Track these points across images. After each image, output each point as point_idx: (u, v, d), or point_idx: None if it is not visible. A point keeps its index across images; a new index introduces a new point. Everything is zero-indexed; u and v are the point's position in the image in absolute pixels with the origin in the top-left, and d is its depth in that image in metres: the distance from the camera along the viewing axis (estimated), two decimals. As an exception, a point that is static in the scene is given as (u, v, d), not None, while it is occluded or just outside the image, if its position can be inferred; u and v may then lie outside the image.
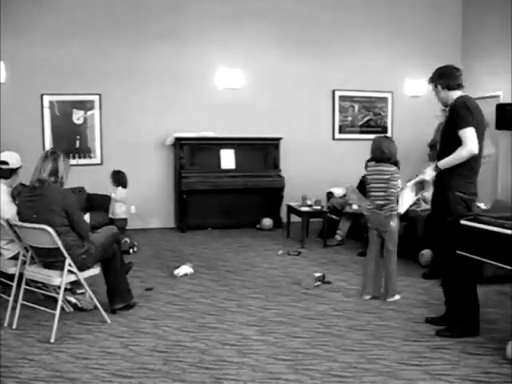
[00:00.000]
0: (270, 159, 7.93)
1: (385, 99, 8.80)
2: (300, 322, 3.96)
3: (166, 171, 7.88)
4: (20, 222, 3.73)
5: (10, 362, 3.19)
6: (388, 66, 8.65)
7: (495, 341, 3.50)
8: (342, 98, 8.60)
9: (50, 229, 3.50)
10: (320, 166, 8.39)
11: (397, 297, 4.47)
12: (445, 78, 3.69)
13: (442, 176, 3.68)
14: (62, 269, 3.64)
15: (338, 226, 6.76)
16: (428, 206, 5.89)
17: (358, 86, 8.58)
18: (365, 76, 8.54)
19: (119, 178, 6.50)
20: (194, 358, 3.30)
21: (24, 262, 3.86)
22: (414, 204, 6.02)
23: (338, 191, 7.62)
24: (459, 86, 3.70)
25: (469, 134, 3.48)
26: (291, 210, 7.14)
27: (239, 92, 8.05)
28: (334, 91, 8.54)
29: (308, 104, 8.38)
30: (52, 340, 3.50)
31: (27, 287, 3.94)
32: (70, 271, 3.66)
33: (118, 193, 6.40)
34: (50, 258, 3.70)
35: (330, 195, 7.74)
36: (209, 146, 7.70)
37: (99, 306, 3.88)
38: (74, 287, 4.21)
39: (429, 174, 3.72)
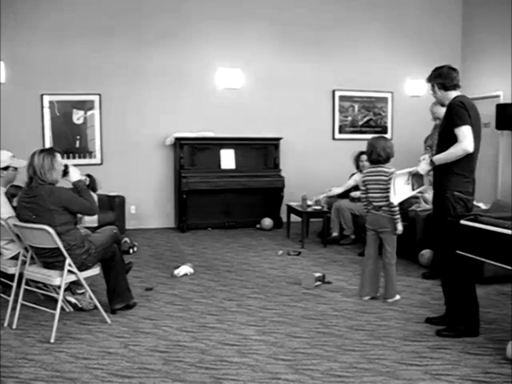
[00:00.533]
0: (270, 159, 7.93)
1: (385, 99, 8.81)
2: (300, 321, 3.96)
3: (166, 171, 7.88)
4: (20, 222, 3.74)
5: (9, 362, 3.19)
6: (388, 66, 8.66)
7: (495, 341, 3.50)
8: (342, 98, 8.60)
9: (50, 229, 3.50)
10: (320, 165, 8.39)
11: (397, 297, 4.47)
12: (442, 78, 3.73)
13: (439, 176, 3.70)
14: (62, 269, 3.64)
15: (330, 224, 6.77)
16: (428, 206, 5.91)
17: (358, 86, 8.58)
18: (365, 76, 8.55)
19: (90, 183, 6.42)
20: (194, 358, 3.30)
21: (24, 262, 3.86)
22: (415, 204, 6.03)
23: (336, 190, 7.61)
24: (456, 87, 3.75)
25: (465, 132, 3.51)
26: (291, 210, 7.14)
27: (239, 92, 8.05)
28: (333, 91, 8.54)
29: (308, 104, 8.38)
30: (52, 340, 3.50)
31: (27, 287, 3.94)
32: (69, 271, 3.66)
33: None
34: (49, 258, 3.70)
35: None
36: (209, 146, 7.70)
37: (99, 306, 3.88)
38: (73, 287, 4.21)
39: (422, 167, 3.78)
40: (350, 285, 4.93)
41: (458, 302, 3.62)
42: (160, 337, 3.64)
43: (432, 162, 3.70)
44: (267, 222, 7.67)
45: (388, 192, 4.17)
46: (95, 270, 3.93)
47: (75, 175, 4.00)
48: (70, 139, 7.54)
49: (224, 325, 3.88)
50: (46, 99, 7.39)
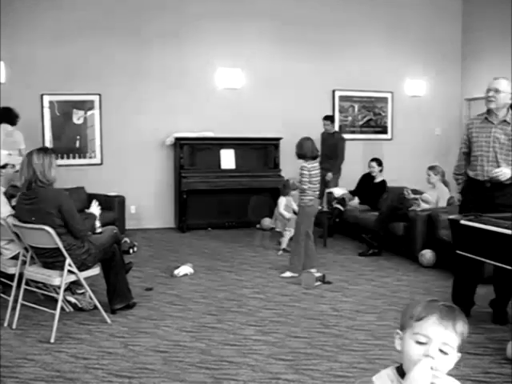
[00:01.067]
0: (270, 159, 7.93)
1: (385, 99, 8.81)
2: (300, 321, 3.96)
3: (166, 171, 7.88)
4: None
5: (9, 362, 3.18)
6: (388, 66, 8.66)
7: (495, 341, 3.50)
8: (341, 98, 8.60)
9: (49, 229, 3.50)
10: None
11: (287, 274, 5.17)
12: None
13: None
14: (62, 269, 3.63)
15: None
16: (427, 206, 5.91)
17: (358, 86, 8.58)
18: (365, 76, 8.55)
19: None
20: (194, 358, 3.30)
21: (24, 262, 3.85)
22: (414, 204, 6.03)
23: (338, 191, 7.63)
24: None
25: None
26: (291, 209, 7.15)
27: (239, 92, 8.05)
28: (333, 91, 8.54)
29: (308, 104, 8.37)
30: (52, 340, 3.50)
31: (27, 287, 3.94)
32: (69, 271, 3.66)
33: None
34: (49, 258, 3.70)
35: (329, 195, 7.75)
36: (209, 146, 7.70)
37: (99, 306, 3.88)
38: (73, 287, 4.21)
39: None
40: (350, 285, 4.93)
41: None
42: (160, 337, 3.64)
43: None
44: (267, 222, 7.66)
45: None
46: (95, 270, 3.93)
47: (96, 211, 4.13)
48: (70, 139, 7.54)
49: (224, 325, 3.88)
50: (46, 99, 7.38)
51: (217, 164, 7.66)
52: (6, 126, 6.01)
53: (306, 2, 8.22)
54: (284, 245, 6.28)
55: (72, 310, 4.14)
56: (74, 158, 7.54)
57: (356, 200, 7.27)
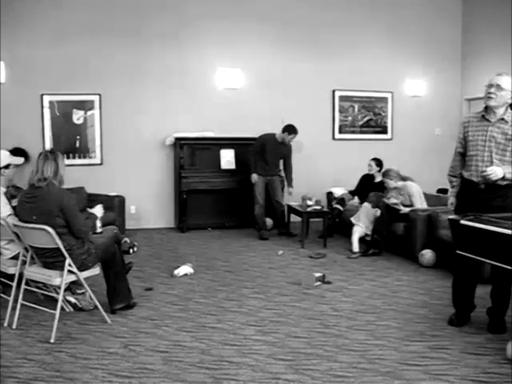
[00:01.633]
0: (270, 159, 7.92)
1: (385, 99, 8.80)
2: (300, 321, 3.96)
3: (166, 171, 7.88)
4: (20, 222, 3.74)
5: (9, 362, 3.18)
6: (388, 66, 8.66)
7: (495, 341, 3.50)
8: (342, 98, 8.60)
9: (50, 229, 3.50)
10: (320, 165, 8.39)
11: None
12: None
13: None
14: (62, 269, 3.63)
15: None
16: (407, 209, 5.93)
17: (358, 86, 8.58)
18: (365, 76, 8.55)
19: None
20: (194, 358, 3.30)
21: (24, 262, 3.85)
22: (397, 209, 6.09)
23: (338, 191, 7.64)
24: None
25: None
26: (291, 209, 7.14)
27: (239, 92, 8.05)
28: (333, 91, 8.54)
29: (308, 104, 8.37)
30: (52, 340, 3.50)
31: (27, 287, 3.94)
32: (70, 271, 3.66)
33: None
34: (50, 258, 3.70)
35: (329, 195, 7.76)
36: (209, 146, 7.70)
37: (99, 305, 3.88)
38: (73, 287, 4.21)
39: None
40: (350, 285, 4.93)
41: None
42: (160, 337, 3.64)
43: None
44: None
45: None
46: (95, 270, 3.93)
47: (99, 212, 4.12)
48: (70, 139, 7.54)
49: (224, 325, 3.88)
50: (46, 99, 7.38)
51: (217, 164, 7.66)
52: None
53: (306, 3, 8.22)
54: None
55: (72, 309, 4.15)
56: (74, 157, 7.54)
57: (356, 199, 7.28)
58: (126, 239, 6.27)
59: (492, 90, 3.63)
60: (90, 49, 7.43)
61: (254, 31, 8.03)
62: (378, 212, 6.16)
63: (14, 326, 3.75)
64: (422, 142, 8.87)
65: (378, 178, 7.04)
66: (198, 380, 3.01)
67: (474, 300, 3.86)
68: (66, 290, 4.03)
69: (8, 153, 4.38)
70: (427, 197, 6.38)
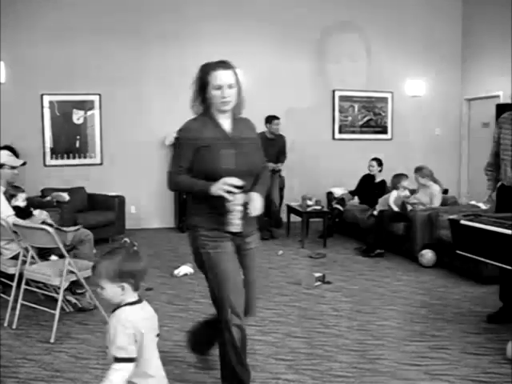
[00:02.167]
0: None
1: (385, 99, 8.80)
2: (300, 321, 3.96)
3: (165, 171, 7.84)
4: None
5: (9, 362, 3.19)
6: (388, 66, 8.66)
7: (495, 341, 3.50)
8: (342, 98, 8.60)
9: (50, 228, 3.50)
10: (320, 165, 8.39)
11: None
12: None
13: None
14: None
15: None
16: (422, 207, 5.92)
17: (358, 86, 8.58)
18: (365, 76, 8.55)
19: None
20: (194, 357, 3.29)
21: (24, 262, 3.85)
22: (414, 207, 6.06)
23: (338, 191, 7.64)
24: None
25: None
26: (291, 209, 7.14)
27: (239, 92, 8.03)
28: (334, 91, 8.54)
29: (308, 104, 8.38)
30: (52, 340, 3.50)
31: (27, 287, 3.94)
32: (70, 271, 3.66)
33: None
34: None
35: (329, 195, 7.76)
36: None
37: (99, 305, 3.88)
38: (73, 287, 4.21)
39: None
40: (350, 285, 4.93)
41: None
42: (160, 337, 3.63)
43: None
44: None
45: None
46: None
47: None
48: (70, 139, 7.54)
49: (224, 325, 3.87)
50: (46, 99, 7.39)
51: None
52: None
53: (305, 3, 8.22)
54: None
55: (72, 309, 4.15)
56: (73, 158, 7.54)
57: (356, 199, 7.28)
58: (126, 239, 6.24)
59: None
60: (90, 49, 7.44)
61: (254, 31, 8.03)
62: (407, 192, 6.23)
63: (14, 326, 3.75)
64: (422, 142, 8.87)
65: (379, 178, 7.04)
66: (198, 380, 3.01)
67: None
68: (66, 290, 4.03)
69: (8, 152, 4.38)
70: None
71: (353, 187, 7.41)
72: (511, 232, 2.98)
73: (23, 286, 3.84)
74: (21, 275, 3.87)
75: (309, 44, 8.26)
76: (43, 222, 4.16)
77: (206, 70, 2.54)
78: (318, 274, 4.97)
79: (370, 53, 8.53)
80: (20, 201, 4.35)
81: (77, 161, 7.56)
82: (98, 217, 6.68)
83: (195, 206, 2.59)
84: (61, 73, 7.35)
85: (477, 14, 8.63)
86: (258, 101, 8.08)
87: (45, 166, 7.45)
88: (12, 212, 4.04)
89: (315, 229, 7.25)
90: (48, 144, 7.40)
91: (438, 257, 5.51)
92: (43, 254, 3.98)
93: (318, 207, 6.80)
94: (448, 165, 8.73)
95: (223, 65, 2.52)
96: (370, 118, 8.78)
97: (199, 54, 7.79)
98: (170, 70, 7.76)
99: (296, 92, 8.26)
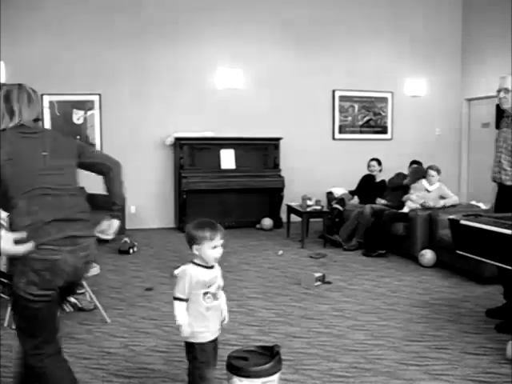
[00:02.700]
0: (270, 159, 7.93)
1: (385, 99, 8.81)
2: (300, 321, 3.96)
3: (166, 171, 7.88)
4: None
5: (9, 362, 3.19)
6: (388, 66, 8.66)
7: (495, 341, 3.50)
8: (342, 98, 8.60)
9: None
10: (320, 165, 8.40)
11: None
12: None
13: None
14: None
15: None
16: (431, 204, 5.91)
17: (358, 86, 8.58)
18: (365, 76, 8.55)
19: None
20: (194, 358, 3.29)
21: (24, 262, 3.85)
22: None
23: (338, 191, 7.64)
24: None
25: None
26: (291, 209, 7.14)
27: (239, 92, 8.05)
28: (334, 91, 8.54)
29: (308, 104, 8.38)
30: (52, 340, 3.50)
31: (27, 287, 3.93)
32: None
33: None
34: None
35: (329, 195, 7.75)
36: (209, 146, 7.70)
37: (99, 305, 3.88)
38: (74, 287, 4.21)
39: None
40: (350, 285, 4.93)
41: None
42: (160, 337, 3.64)
43: None
44: (267, 221, 7.67)
45: None
46: (95, 270, 3.93)
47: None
48: (70, 139, 7.53)
49: (224, 325, 3.87)
50: (46, 99, 7.39)
51: (217, 164, 7.66)
52: None
53: (305, 3, 8.22)
54: None
55: (72, 309, 4.14)
56: (74, 158, 7.54)
57: (356, 199, 7.28)
58: (126, 239, 6.27)
59: (501, 94, 3.74)
60: (89, 49, 7.44)
61: (254, 31, 8.03)
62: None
63: (14, 326, 3.74)
64: (422, 142, 8.87)
65: (379, 178, 7.04)
66: (198, 380, 3.00)
67: None
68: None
69: None
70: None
71: (353, 187, 7.40)
72: (511, 232, 2.98)
73: (23, 286, 3.83)
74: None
75: (309, 44, 8.26)
76: None
77: None
78: (317, 274, 4.97)
79: (370, 53, 8.53)
80: None
81: (77, 161, 7.56)
82: (98, 217, 6.66)
83: None
84: (61, 73, 7.35)
85: (477, 15, 8.64)
86: (258, 101, 8.12)
87: (45, 165, 7.44)
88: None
89: (315, 229, 7.25)
90: (48, 144, 7.39)
91: (437, 257, 5.51)
92: None
93: (318, 207, 6.80)
94: (448, 165, 8.72)
95: None
96: (369, 118, 8.78)
97: (199, 54, 7.89)
98: (170, 70, 7.77)
99: (296, 92, 8.26)
